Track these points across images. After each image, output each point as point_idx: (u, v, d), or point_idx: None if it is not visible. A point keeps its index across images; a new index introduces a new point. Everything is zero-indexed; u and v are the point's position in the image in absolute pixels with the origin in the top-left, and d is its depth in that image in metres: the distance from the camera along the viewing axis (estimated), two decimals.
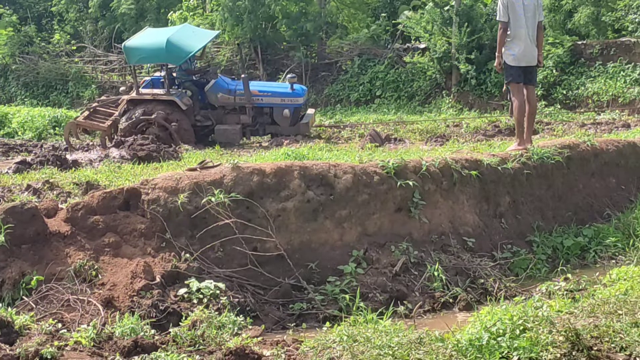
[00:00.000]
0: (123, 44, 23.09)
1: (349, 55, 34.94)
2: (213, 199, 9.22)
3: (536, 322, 6.73)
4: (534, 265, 10.83)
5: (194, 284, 8.59)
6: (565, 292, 9.19)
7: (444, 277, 9.80)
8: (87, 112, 22.72)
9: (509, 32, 13.01)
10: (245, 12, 33.95)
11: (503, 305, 7.55)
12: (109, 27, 43.28)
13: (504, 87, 13.84)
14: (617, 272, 9.32)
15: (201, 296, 8.47)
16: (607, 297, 7.67)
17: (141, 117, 21.11)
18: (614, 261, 11.34)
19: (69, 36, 43.00)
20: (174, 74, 22.76)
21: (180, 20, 37.92)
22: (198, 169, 9.90)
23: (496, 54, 13.35)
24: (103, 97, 24.84)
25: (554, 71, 29.54)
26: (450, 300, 9.59)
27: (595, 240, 11.89)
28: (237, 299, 8.68)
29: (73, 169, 14.73)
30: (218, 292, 8.57)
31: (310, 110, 23.90)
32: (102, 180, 11.96)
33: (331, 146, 17.01)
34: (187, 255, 8.98)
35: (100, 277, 8.66)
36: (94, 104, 23.47)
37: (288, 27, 34.99)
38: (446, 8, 31.89)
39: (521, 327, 6.68)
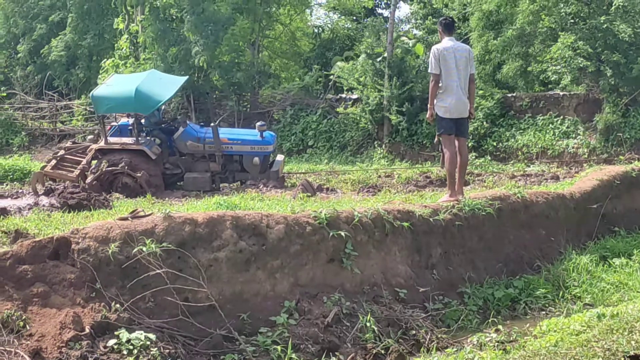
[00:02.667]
0: (91, 93, 22.68)
1: (282, 105, 35.13)
2: (144, 249, 9.10)
3: None
4: (465, 317, 10.85)
5: (124, 334, 8.45)
6: (496, 344, 9.22)
7: (376, 328, 9.77)
8: (54, 161, 22.42)
9: (440, 84, 13.11)
10: (176, 61, 33.97)
11: (435, 356, 7.57)
12: (40, 74, 42.97)
13: (436, 139, 13.93)
14: (547, 324, 9.40)
15: (131, 347, 8.33)
16: (538, 349, 7.72)
17: (109, 168, 20.84)
18: (544, 312, 11.44)
19: None
20: (142, 121, 22.45)
21: (113, 68, 37.82)
22: (129, 218, 9.78)
23: (428, 105, 13.40)
24: (68, 144, 24.48)
25: (485, 123, 30.00)
26: (382, 351, 9.54)
27: (525, 292, 11.97)
28: (167, 350, 8.56)
29: (1, 216, 14.50)
30: (148, 343, 8.44)
31: (279, 157, 23.79)
32: (32, 228, 11.75)
33: (263, 196, 16.95)
34: (118, 305, 8.84)
35: (28, 327, 8.48)
36: (60, 152, 23.19)
37: (220, 76, 35.04)
38: (378, 59, 32.23)
39: None
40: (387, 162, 30.27)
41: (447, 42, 13.20)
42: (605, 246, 14.14)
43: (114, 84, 22.58)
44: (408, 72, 32.25)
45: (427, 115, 13.54)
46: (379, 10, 47.27)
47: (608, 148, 27.57)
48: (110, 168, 20.85)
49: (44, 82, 41.80)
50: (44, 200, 17.25)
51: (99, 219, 11.75)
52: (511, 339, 9.57)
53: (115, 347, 8.34)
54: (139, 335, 8.48)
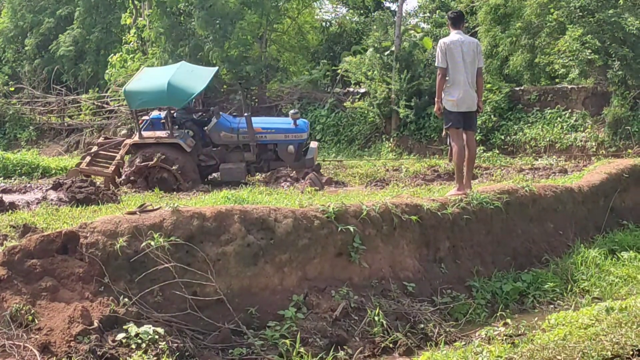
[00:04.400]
0: (123, 88, 22.53)
1: (290, 98, 35.08)
2: (152, 243, 9.11)
3: None
4: (473, 310, 10.84)
5: (132, 328, 8.46)
6: (504, 337, 9.21)
7: (384, 322, 9.77)
8: (88, 158, 22.46)
9: (448, 78, 13.08)
10: (185, 56, 33.95)
11: (443, 350, 7.57)
12: (47, 68, 43.00)
13: (444, 132, 13.91)
14: (555, 318, 9.38)
15: (140, 341, 8.34)
16: (546, 343, 7.71)
17: (143, 163, 20.82)
18: (552, 306, 11.42)
19: (7, 77, 42.69)
20: (174, 114, 22.36)
21: (120, 63, 37.86)
22: (137, 213, 9.78)
23: (436, 99, 13.39)
24: (101, 140, 24.43)
25: (493, 117, 29.95)
26: (391, 345, 9.55)
27: (533, 285, 11.95)
28: (176, 344, 8.56)
29: (10, 211, 14.52)
30: (157, 337, 8.44)
31: (313, 144, 23.63)
32: (40, 223, 11.78)
33: (271, 190, 16.93)
34: (126, 299, 8.84)
35: (36, 321, 8.50)
36: (94, 148, 23.21)
37: (228, 70, 35.05)
38: (386, 53, 32.20)
39: None
40: (395, 155, 30.26)
41: (454, 35, 13.19)
42: (613, 240, 14.12)
43: (145, 78, 22.50)
44: (416, 66, 32.23)
45: (435, 109, 13.52)
46: (387, 4, 47.21)
47: (616, 141, 27.50)
48: (144, 162, 20.86)
49: (52, 76, 41.85)
50: (52, 195, 17.27)
51: (107, 213, 11.78)
52: (519, 332, 9.55)
53: (124, 341, 8.34)
54: (147, 329, 8.49)
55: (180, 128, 22.01)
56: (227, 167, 21.97)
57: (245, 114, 22.39)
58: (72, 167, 22.78)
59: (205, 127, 22.48)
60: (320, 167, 23.20)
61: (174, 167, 20.56)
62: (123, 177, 21.01)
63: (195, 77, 22.53)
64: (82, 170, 21.74)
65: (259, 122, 23.02)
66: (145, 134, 21.68)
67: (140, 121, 22.52)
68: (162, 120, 21.89)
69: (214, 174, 22.70)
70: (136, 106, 22.04)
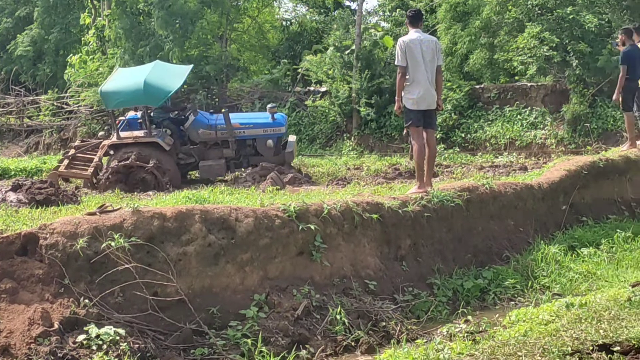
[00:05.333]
0: (99, 89, 22.33)
1: (250, 98, 35.02)
2: (113, 244, 9.05)
3: None
4: (434, 308, 10.87)
5: (93, 330, 8.41)
6: (466, 334, 9.25)
7: (346, 321, 9.79)
8: (66, 161, 22.27)
9: (407, 77, 13.12)
10: (146, 56, 33.82)
11: (405, 348, 7.59)
12: (5, 69, 42.71)
13: (405, 131, 13.97)
14: (516, 314, 9.44)
15: (101, 342, 8.30)
16: (507, 339, 7.75)
17: (119, 164, 20.65)
18: (513, 303, 11.49)
19: None
20: (151, 113, 22.22)
21: (79, 64, 37.64)
22: (97, 213, 9.73)
23: (396, 98, 13.44)
24: (77, 143, 24.21)
25: (453, 115, 30.10)
26: (353, 343, 9.57)
27: (494, 282, 12.02)
28: (137, 345, 8.53)
29: None
30: (118, 338, 8.41)
31: (292, 137, 23.57)
32: None
33: (232, 189, 16.89)
34: (86, 300, 8.79)
35: None
36: (71, 151, 23.01)
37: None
38: (347, 52, 32.26)
39: None
40: (356, 154, 30.30)
41: (413, 34, 13.23)
42: (573, 236, 14.21)
43: (120, 78, 22.38)
44: (376, 65, 32.29)
45: (395, 108, 13.55)
46: (347, 3, 47.21)
47: (575, 138, 27.70)
48: (120, 163, 20.71)
49: (10, 77, 41.51)
50: (12, 196, 17.12)
51: (67, 214, 11.68)
52: (480, 329, 9.60)
53: (85, 342, 8.30)
54: (108, 330, 8.45)
55: (157, 127, 21.92)
56: (207, 164, 21.93)
57: (223, 110, 22.34)
58: (51, 172, 22.57)
59: (182, 125, 22.41)
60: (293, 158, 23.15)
61: (150, 163, 20.44)
62: (103, 178, 20.83)
63: (170, 76, 22.46)
64: (61, 174, 21.65)
65: (237, 117, 23.05)
66: (123, 134, 21.57)
67: (117, 122, 22.39)
68: (139, 120, 21.82)
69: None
70: (113, 106, 22.01)
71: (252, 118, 23.35)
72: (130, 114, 22.65)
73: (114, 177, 20.57)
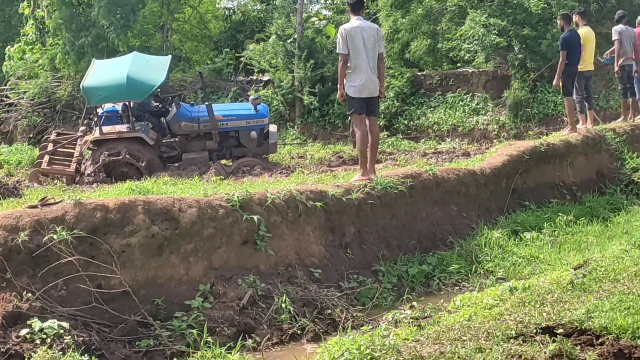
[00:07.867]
0: (81, 85, 21.77)
1: (193, 88, 34.82)
2: (55, 237, 8.98)
3: (383, 351, 6.80)
4: (380, 295, 10.92)
5: (36, 324, 8.33)
6: (411, 320, 9.29)
7: (291, 309, 9.80)
8: (47, 157, 21.73)
9: (349, 64, 13.12)
10: (87, 47, 33.51)
11: (350, 335, 7.60)
12: None
13: (348, 119, 13.99)
14: (460, 299, 9.49)
15: (44, 336, 8.22)
16: (452, 324, 7.79)
17: (109, 159, 20.45)
18: (457, 288, 11.58)
19: None
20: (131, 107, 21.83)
21: (18, 55, 37.19)
22: (39, 206, 9.64)
23: (338, 86, 13.44)
24: (53, 137, 23.66)
25: (395, 102, 30.18)
26: (298, 331, 9.58)
27: (439, 268, 12.09)
28: (81, 338, 8.46)
29: None
30: (62, 331, 8.33)
31: (272, 127, 23.47)
32: None
33: (176, 180, 16.81)
34: (29, 294, 8.71)
35: None
36: (50, 146, 22.43)
37: None
38: (289, 41, 32.24)
39: (369, 357, 6.73)
40: (299, 142, 30.31)
41: (354, 21, 13.22)
42: (516, 220, 14.32)
43: (100, 72, 21.98)
44: (319, 53, 32.30)
45: (338, 96, 13.54)
46: None
47: (517, 124, 27.93)
48: (112, 158, 20.49)
49: None
50: None
51: (8, 208, 11.55)
52: (426, 315, 9.64)
53: (28, 336, 8.22)
54: (51, 324, 8.37)
55: (137, 120, 21.58)
56: (190, 156, 21.70)
57: (206, 103, 22.12)
58: (31, 171, 22.08)
59: (163, 118, 22.24)
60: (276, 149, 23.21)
61: (141, 163, 20.36)
62: (87, 174, 20.56)
63: (152, 68, 22.16)
64: (45, 171, 21.25)
65: (220, 109, 22.80)
66: (105, 129, 21.20)
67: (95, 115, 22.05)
68: (119, 114, 21.61)
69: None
70: (96, 102, 21.56)
71: (234, 110, 23.10)
72: (107, 106, 22.21)
73: (102, 172, 20.37)
